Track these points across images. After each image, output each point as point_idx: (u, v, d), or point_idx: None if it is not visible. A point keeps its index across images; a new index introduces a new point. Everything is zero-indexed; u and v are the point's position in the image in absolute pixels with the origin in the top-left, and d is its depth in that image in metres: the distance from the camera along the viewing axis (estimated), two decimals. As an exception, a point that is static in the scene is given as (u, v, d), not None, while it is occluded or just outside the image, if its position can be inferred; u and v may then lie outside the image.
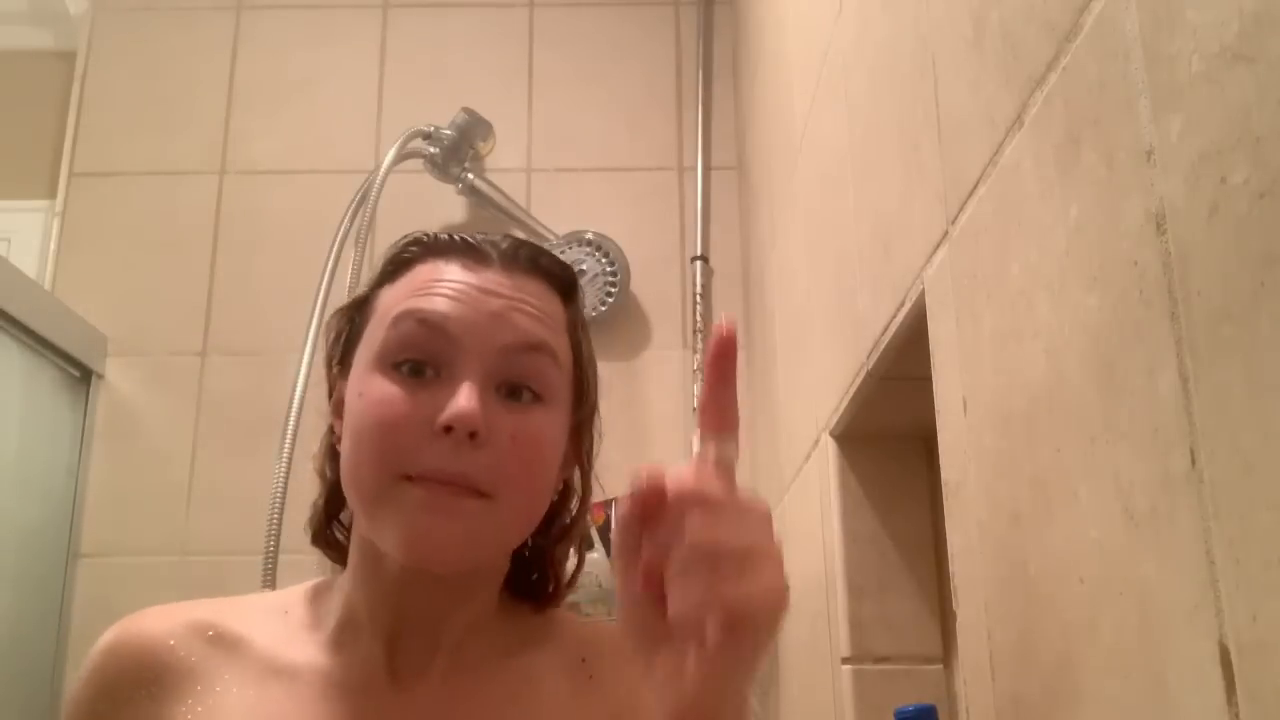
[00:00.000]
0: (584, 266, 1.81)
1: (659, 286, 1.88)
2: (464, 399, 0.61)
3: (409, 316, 0.65)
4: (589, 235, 1.84)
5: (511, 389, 0.65)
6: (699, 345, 1.82)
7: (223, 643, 0.67)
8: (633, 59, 2.01)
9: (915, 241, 0.74)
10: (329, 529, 0.73)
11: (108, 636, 0.67)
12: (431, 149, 1.85)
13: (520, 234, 1.90)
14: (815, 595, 1.14)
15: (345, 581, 0.69)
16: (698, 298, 1.85)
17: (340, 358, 0.71)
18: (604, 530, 1.55)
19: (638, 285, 1.87)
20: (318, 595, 0.71)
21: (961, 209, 0.64)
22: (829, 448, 1.07)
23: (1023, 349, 0.55)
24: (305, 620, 0.69)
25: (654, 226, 1.91)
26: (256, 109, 1.98)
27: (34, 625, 1.69)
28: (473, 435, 0.61)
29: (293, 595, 0.72)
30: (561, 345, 0.69)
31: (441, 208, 1.91)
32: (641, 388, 1.82)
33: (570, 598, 1.71)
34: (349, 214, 1.81)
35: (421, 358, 0.64)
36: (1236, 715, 0.36)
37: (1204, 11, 0.37)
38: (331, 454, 0.71)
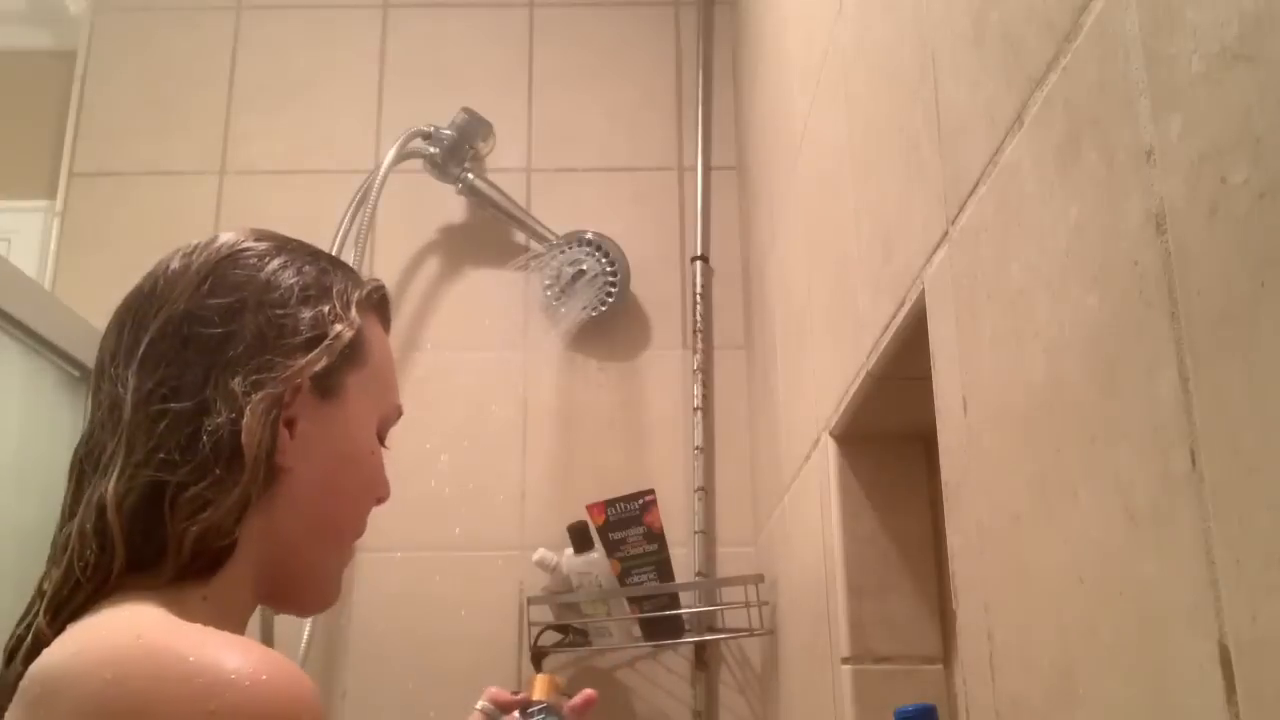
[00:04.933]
0: (584, 266, 1.81)
1: (659, 286, 1.88)
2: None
3: (398, 412, 0.77)
4: (589, 235, 1.84)
5: None
6: (699, 345, 1.82)
7: None
8: (633, 59, 2.00)
9: (915, 241, 0.74)
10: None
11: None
12: (431, 149, 1.85)
13: (520, 233, 1.91)
14: (815, 595, 1.14)
15: (215, 600, 0.64)
16: (698, 298, 1.85)
17: (329, 381, 0.71)
18: (604, 530, 1.55)
19: (638, 285, 1.86)
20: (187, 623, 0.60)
21: (961, 209, 0.64)
22: (829, 448, 1.07)
23: (1023, 349, 0.55)
24: None
25: (654, 226, 1.91)
26: (256, 109, 1.98)
27: (34, 625, 1.69)
28: None
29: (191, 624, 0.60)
30: None
31: (441, 208, 1.91)
32: (641, 388, 1.82)
33: (570, 598, 1.71)
34: (349, 214, 1.81)
35: None
36: (1236, 715, 0.36)
37: (1204, 11, 0.37)
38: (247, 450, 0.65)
